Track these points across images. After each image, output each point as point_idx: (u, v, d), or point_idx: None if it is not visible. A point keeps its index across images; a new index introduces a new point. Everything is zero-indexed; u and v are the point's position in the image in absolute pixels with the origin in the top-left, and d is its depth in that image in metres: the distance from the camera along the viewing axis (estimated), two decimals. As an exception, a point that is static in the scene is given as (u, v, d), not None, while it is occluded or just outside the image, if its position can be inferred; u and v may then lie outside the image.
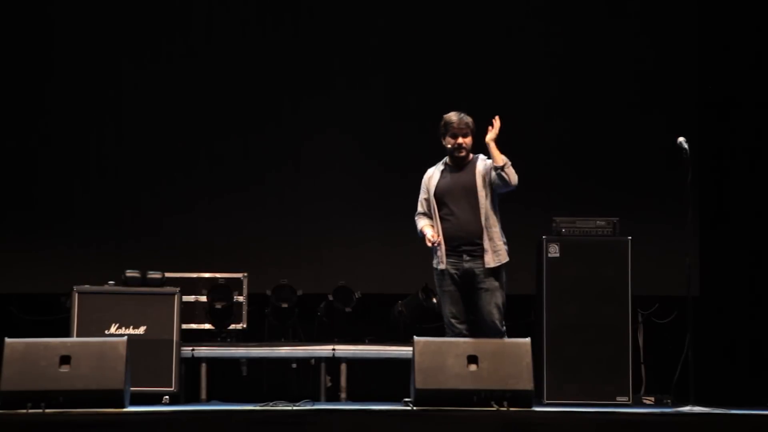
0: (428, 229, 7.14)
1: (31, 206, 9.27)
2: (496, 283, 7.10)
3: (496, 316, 7.07)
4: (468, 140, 7.18)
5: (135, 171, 9.34)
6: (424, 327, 8.44)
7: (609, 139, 9.40)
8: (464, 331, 7.10)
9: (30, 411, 6.51)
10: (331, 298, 8.64)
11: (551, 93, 9.41)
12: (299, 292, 8.63)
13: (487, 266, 7.07)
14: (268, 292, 8.62)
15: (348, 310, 8.60)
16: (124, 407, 6.76)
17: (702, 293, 9.00)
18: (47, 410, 6.53)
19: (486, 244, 7.08)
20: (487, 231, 7.09)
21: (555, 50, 9.50)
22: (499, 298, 7.10)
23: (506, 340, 7.02)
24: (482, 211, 7.08)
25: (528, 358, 6.88)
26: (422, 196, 7.28)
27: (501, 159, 7.07)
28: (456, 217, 7.12)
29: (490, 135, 7.09)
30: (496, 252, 7.09)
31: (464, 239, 7.10)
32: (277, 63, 9.47)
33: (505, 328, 7.12)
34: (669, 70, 9.47)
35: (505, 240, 7.15)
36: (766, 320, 8.97)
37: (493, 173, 7.07)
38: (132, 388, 6.98)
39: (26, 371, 6.72)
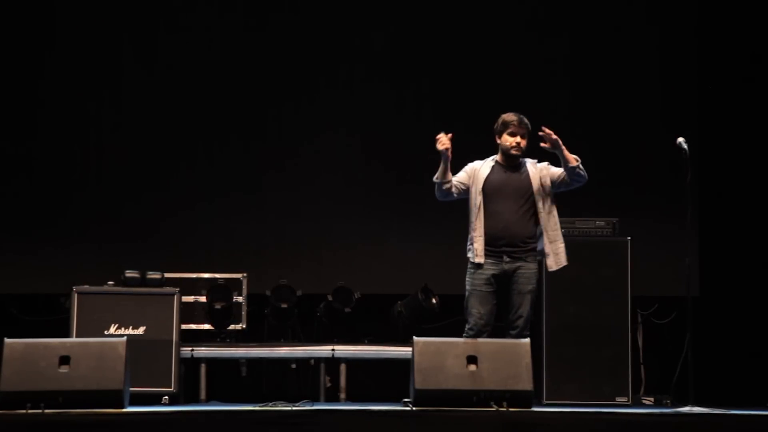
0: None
1: (30, 206, 9.27)
2: (530, 287, 7.09)
3: (522, 321, 7.07)
4: (525, 141, 7.18)
5: (135, 171, 9.34)
6: (424, 327, 8.44)
7: (609, 139, 9.39)
8: (486, 335, 7.07)
9: (29, 411, 6.51)
10: (330, 298, 8.63)
11: (551, 94, 9.39)
12: (299, 293, 8.62)
13: (549, 270, 7.13)
14: (268, 293, 8.62)
15: (347, 310, 8.59)
16: (123, 407, 6.76)
17: (702, 293, 9.00)
18: (47, 410, 6.52)
19: (547, 247, 7.09)
20: (548, 234, 7.09)
21: (555, 52, 9.49)
22: (529, 304, 7.10)
23: (506, 340, 7.01)
24: (541, 216, 7.11)
25: (527, 359, 6.87)
26: (460, 174, 7.20)
27: (574, 158, 7.10)
28: (502, 216, 7.09)
29: (555, 140, 7.07)
30: (557, 254, 7.11)
31: (506, 240, 7.07)
32: (277, 63, 9.46)
33: (528, 332, 7.13)
34: (669, 70, 9.47)
35: (560, 239, 7.16)
36: (766, 320, 8.96)
37: (567, 173, 7.12)
38: (131, 389, 6.98)
39: (26, 371, 6.72)
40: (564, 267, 7.17)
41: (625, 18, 9.54)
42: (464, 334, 7.10)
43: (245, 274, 8.75)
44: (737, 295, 9.10)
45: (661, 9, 9.52)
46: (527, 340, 6.97)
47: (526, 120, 7.20)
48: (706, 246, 9.22)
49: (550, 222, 7.13)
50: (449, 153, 7.05)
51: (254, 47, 9.47)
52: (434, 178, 7.15)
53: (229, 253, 9.12)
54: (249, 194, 9.34)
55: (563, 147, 7.11)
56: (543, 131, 7.07)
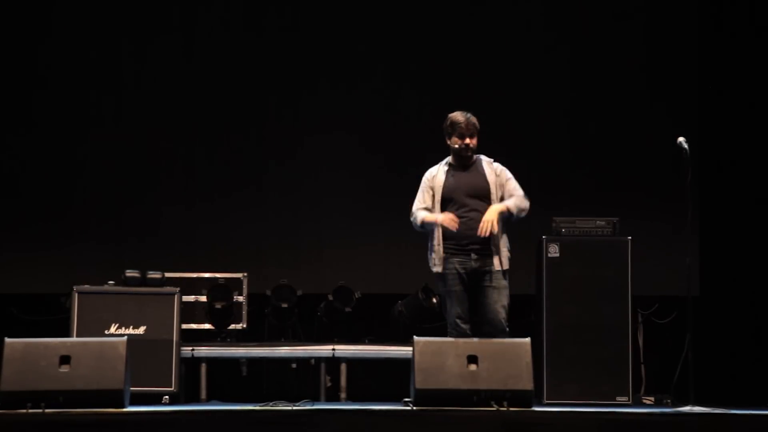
0: (440, 215, 7.06)
1: (30, 206, 9.27)
2: (504, 282, 7.11)
3: (502, 315, 7.08)
4: (474, 141, 7.16)
5: (135, 171, 9.34)
6: (424, 327, 8.44)
7: (609, 139, 9.40)
8: (468, 332, 7.09)
9: (30, 411, 6.50)
10: (331, 298, 8.64)
11: (551, 93, 9.41)
12: (299, 292, 8.63)
13: (495, 268, 7.08)
14: (268, 292, 8.62)
15: (348, 310, 8.60)
16: (124, 407, 6.76)
17: (702, 293, 9.00)
18: (47, 410, 6.51)
19: (493, 248, 7.09)
20: (493, 236, 7.07)
21: (555, 51, 9.50)
22: (505, 298, 7.11)
23: (506, 340, 7.02)
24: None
25: (528, 358, 6.87)
26: (422, 194, 7.25)
27: (511, 208, 7.07)
28: (465, 215, 7.10)
29: (493, 228, 7.01)
30: (500, 257, 7.10)
31: (473, 237, 7.06)
32: (277, 62, 9.47)
33: (508, 328, 7.13)
34: (669, 70, 9.47)
35: (509, 247, 7.16)
36: (766, 320, 8.96)
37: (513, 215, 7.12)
38: (132, 388, 6.97)
39: (26, 371, 6.70)
40: (507, 270, 7.15)
41: (625, 17, 9.54)
42: (448, 336, 7.11)
43: (246, 274, 8.75)
44: (737, 295, 9.10)
45: (661, 8, 9.52)
46: (527, 339, 6.97)
47: (473, 119, 7.16)
48: (706, 246, 9.22)
49: (496, 225, 7.10)
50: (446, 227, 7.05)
51: (254, 46, 9.47)
52: (417, 222, 7.16)
53: (230, 252, 9.13)
54: (249, 194, 9.34)
55: (498, 213, 7.03)
56: (481, 233, 7.00)
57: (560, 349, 8.02)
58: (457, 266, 7.11)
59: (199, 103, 9.41)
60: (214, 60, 9.45)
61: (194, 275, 8.71)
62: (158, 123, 9.39)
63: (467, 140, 7.15)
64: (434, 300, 8.57)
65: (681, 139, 7.53)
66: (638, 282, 8.15)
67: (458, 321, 7.11)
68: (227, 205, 9.33)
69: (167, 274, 8.25)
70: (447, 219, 7.02)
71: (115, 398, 6.73)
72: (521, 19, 9.54)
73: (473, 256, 7.10)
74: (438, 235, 7.12)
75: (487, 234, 6.98)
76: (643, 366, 8.72)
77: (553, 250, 8.08)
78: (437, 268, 7.13)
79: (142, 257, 8.71)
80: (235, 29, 9.50)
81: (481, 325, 7.13)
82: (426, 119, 9.28)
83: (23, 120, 9.36)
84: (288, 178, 9.38)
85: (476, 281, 7.11)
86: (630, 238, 8.13)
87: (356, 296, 8.65)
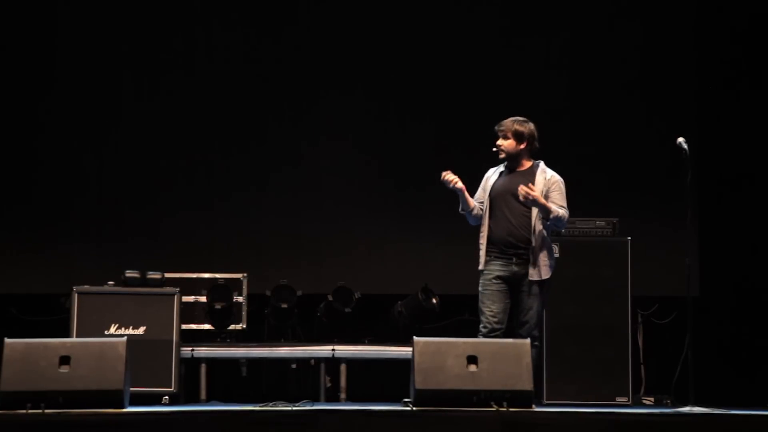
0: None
1: (30, 206, 9.28)
2: (537, 291, 7.09)
3: (533, 322, 7.08)
4: (505, 143, 7.15)
5: (135, 171, 9.34)
6: (424, 327, 8.44)
7: (609, 139, 9.40)
8: (500, 334, 7.08)
9: (29, 411, 6.49)
10: (330, 298, 8.64)
11: (551, 94, 9.40)
12: (299, 293, 8.63)
13: (530, 278, 7.08)
14: (268, 293, 8.62)
15: (348, 310, 8.59)
16: (123, 407, 6.75)
17: (702, 294, 9.01)
18: (47, 410, 6.51)
19: (530, 256, 7.08)
20: (534, 243, 7.08)
21: (555, 51, 9.50)
22: (539, 305, 7.11)
23: (506, 340, 7.02)
24: (532, 223, 7.08)
25: (528, 359, 6.87)
26: (478, 192, 7.26)
27: (550, 208, 7.05)
28: (507, 220, 7.10)
29: (532, 200, 7.02)
30: (537, 267, 7.08)
31: (513, 243, 7.08)
32: (277, 64, 9.47)
33: (538, 333, 7.15)
34: (668, 70, 9.47)
35: (550, 257, 7.12)
36: (766, 320, 8.96)
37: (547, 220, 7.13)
38: (132, 389, 6.96)
39: (26, 371, 6.69)
40: (549, 278, 7.14)
41: (624, 17, 9.54)
42: (478, 334, 7.12)
43: (245, 274, 8.75)
44: (737, 295, 9.10)
45: (660, 8, 9.52)
46: (527, 339, 6.97)
47: (506, 121, 7.17)
48: (706, 246, 9.22)
49: (536, 233, 7.10)
50: (460, 184, 7.08)
51: (254, 48, 9.47)
52: (459, 210, 7.20)
53: (230, 253, 9.13)
54: (250, 194, 9.34)
55: (543, 202, 7.04)
56: (521, 193, 7.02)
57: (560, 349, 8.03)
58: (498, 269, 7.10)
59: (200, 105, 9.40)
60: (214, 63, 9.45)
61: (194, 275, 8.72)
62: (159, 124, 9.39)
63: (498, 140, 7.17)
64: (434, 300, 8.58)
65: (681, 139, 7.53)
66: (638, 282, 8.16)
67: (492, 320, 7.07)
68: (227, 206, 9.33)
69: (167, 275, 8.25)
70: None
71: (115, 398, 6.72)
72: (519, 21, 9.53)
73: (515, 260, 7.09)
74: (484, 233, 7.15)
75: (524, 194, 6.96)
76: (642, 366, 8.72)
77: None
78: (480, 266, 7.15)
79: (142, 257, 8.70)
80: (236, 33, 9.49)
81: (514, 329, 7.15)
82: (426, 122, 9.30)
83: (26, 122, 9.36)
84: (288, 179, 9.38)
85: (515, 286, 7.10)
86: (630, 238, 8.14)
87: (356, 296, 8.64)
